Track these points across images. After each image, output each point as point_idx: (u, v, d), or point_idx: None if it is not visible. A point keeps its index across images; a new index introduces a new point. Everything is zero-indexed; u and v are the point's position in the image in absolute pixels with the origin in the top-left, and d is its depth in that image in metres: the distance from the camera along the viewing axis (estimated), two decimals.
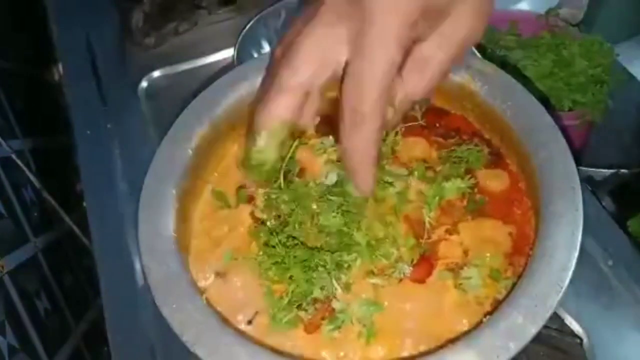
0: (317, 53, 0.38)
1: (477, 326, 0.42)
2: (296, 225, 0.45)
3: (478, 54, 0.62)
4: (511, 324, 0.39)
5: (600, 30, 0.85)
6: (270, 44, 0.77)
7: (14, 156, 0.86)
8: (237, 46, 0.73)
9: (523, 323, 0.39)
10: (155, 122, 0.72)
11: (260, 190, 0.49)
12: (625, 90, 0.82)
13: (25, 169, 0.88)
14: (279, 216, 0.47)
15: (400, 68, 0.38)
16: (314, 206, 0.46)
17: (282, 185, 0.46)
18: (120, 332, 0.55)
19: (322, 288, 0.43)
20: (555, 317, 0.51)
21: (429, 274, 0.45)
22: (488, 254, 0.46)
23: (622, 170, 0.72)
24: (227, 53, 0.77)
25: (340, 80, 0.38)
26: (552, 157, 0.45)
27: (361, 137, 0.38)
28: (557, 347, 0.51)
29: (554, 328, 0.51)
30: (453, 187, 0.48)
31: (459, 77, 0.51)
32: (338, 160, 0.49)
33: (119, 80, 0.75)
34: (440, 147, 0.52)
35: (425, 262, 0.46)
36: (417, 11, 0.36)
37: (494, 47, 0.84)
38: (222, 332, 0.41)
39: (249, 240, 0.48)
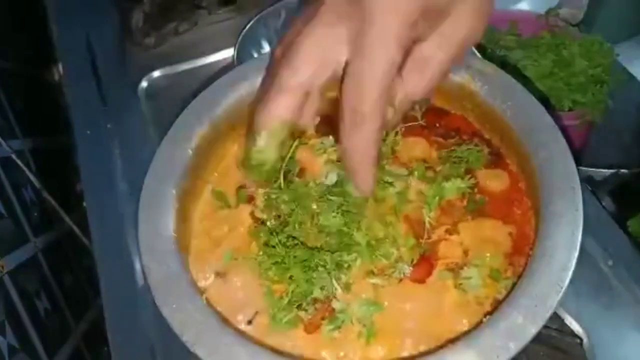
0: (317, 53, 0.38)
1: (477, 326, 0.42)
2: (296, 225, 0.45)
3: (478, 54, 0.62)
4: (511, 324, 0.39)
5: (600, 30, 0.85)
6: (270, 44, 0.77)
7: (14, 156, 0.86)
8: (237, 46, 0.73)
9: (523, 323, 0.39)
10: (155, 122, 0.72)
11: (260, 190, 0.49)
12: (625, 90, 0.82)
13: (25, 169, 0.88)
14: (279, 216, 0.47)
15: (400, 68, 0.38)
16: (314, 206, 0.46)
17: (282, 185, 0.46)
18: (120, 332, 0.55)
19: (322, 288, 0.43)
20: (555, 317, 0.51)
21: (429, 274, 0.45)
22: (488, 254, 0.46)
23: (622, 170, 0.72)
24: (227, 53, 0.77)
25: (340, 80, 0.38)
26: (552, 157, 0.45)
27: (361, 137, 0.38)
28: (557, 347, 0.51)
29: (554, 328, 0.51)
30: (453, 187, 0.48)
31: (459, 77, 0.51)
32: (338, 160, 0.49)
33: (119, 80, 0.75)
34: (440, 147, 0.52)
35: (425, 262, 0.46)
36: (417, 11, 0.36)
37: (494, 47, 0.84)
38: (222, 332, 0.41)
39: (249, 240, 0.48)
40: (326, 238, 0.45)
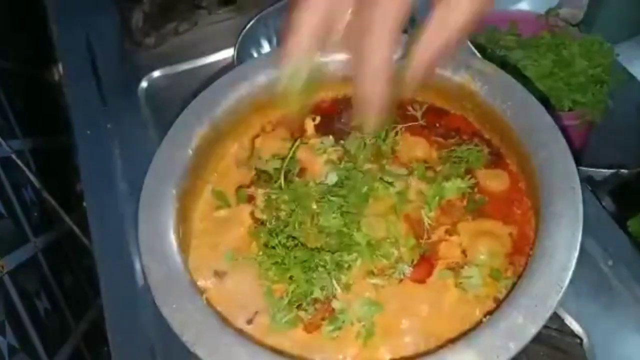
0: None
1: (477, 326, 0.42)
2: (296, 226, 0.46)
3: (478, 54, 0.62)
4: (511, 324, 0.39)
5: (600, 30, 0.85)
6: (270, 44, 0.77)
7: (14, 156, 0.86)
8: (237, 46, 0.73)
9: (523, 323, 0.39)
10: (155, 122, 0.72)
11: (260, 190, 0.49)
12: (625, 90, 0.82)
13: (25, 169, 0.88)
14: (279, 216, 0.47)
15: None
16: (314, 206, 0.46)
17: (282, 185, 0.46)
18: (120, 332, 0.55)
19: (322, 288, 0.43)
20: (555, 317, 0.51)
21: (429, 274, 0.45)
22: (488, 254, 0.46)
23: (622, 170, 0.72)
24: (227, 53, 0.77)
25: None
26: (552, 157, 0.45)
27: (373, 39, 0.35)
28: (557, 347, 0.51)
29: (554, 328, 0.51)
30: (453, 187, 0.48)
31: (459, 77, 0.51)
32: (338, 160, 0.49)
33: (119, 80, 0.75)
34: (441, 147, 0.52)
35: (425, 262, 0.46)
36: None
37: (494, 47, 0.84)
38: (222, 332, 0.41)
39: (249, 241, 0.48)
40: (326, 238, 0.45)
